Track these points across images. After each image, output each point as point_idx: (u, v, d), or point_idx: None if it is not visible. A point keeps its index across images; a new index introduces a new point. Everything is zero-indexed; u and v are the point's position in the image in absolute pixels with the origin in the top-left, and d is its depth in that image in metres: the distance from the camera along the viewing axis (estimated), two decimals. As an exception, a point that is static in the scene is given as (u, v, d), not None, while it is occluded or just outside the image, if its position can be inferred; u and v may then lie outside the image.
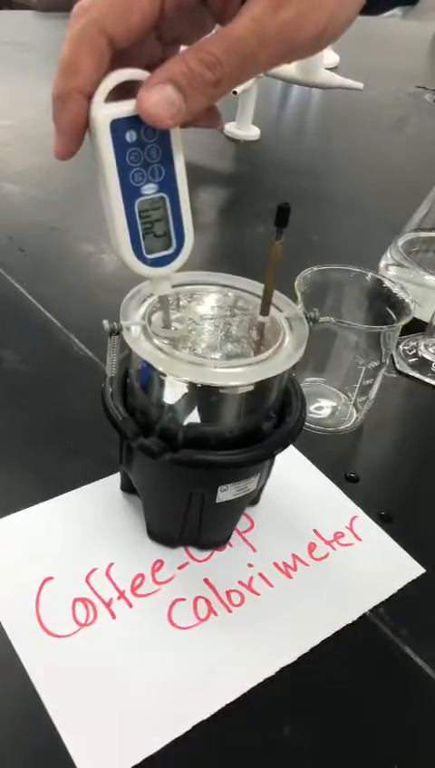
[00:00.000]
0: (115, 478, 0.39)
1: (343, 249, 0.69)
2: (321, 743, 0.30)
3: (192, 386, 0.30)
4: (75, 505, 0.38)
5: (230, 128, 0.91)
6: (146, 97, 0.24)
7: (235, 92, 0.83)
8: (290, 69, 0.86)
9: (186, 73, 0.24)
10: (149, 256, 0.27)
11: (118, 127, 0.24)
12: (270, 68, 0.26)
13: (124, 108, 0.24)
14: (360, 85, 0.88)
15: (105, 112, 0.24)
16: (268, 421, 0.33)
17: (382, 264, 0.63)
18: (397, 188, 0.83)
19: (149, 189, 0.26)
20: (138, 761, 0.28)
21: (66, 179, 0.71)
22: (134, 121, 0.24)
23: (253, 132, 0.92)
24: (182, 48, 0.26)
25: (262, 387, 0.31)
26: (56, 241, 0.64)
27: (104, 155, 0.25)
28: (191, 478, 0.33)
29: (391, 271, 0.62)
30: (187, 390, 0.30)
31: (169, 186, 0.27)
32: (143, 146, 0.25)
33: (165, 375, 0.30)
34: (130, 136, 0.25)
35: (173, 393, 0.31)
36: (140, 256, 0.27)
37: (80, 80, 0.24)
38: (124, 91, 0.24)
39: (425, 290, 0.58)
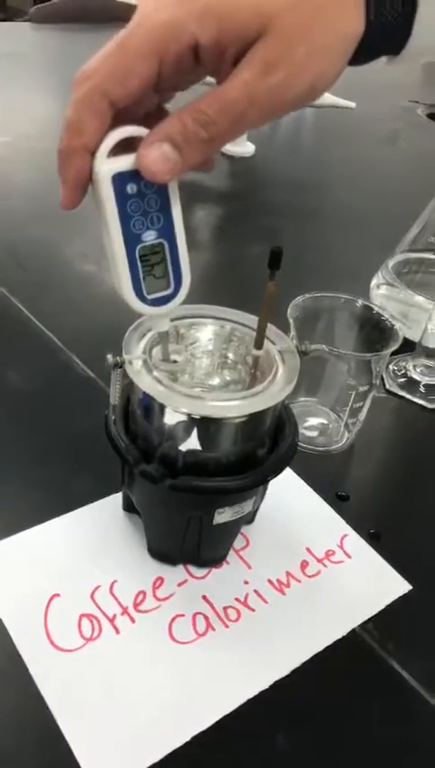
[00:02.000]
0: (117, 497, 0.41)
1: (337, 268, 0.71)
2: (312, 752, 0.32)
3: (190, 417, 0.32)
4: (79, 524, 0.40)
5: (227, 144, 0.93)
6: (144, 154, 0.26)
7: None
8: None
9: (181, 132, 0.26)
10: (149, 296, 0.29)
11: (119, 180, 0.26)
12: (261, 124, 0.28)
13: (125, 162, 0.26)
14: (352, 104, 0.91)
15: (107, 168, 0.26)
16: (262, 447, 0.35)
17: (374, 283, 0.65)
18: (391, 205, 0.85)
19: (150, 236, 0.28)
20: (141, 769, 0.30)
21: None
22: (134, 175, 0.27)
23: (248, 149, 0.94)
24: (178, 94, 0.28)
25: (256, 417, 0.33)
26: (56, 258, 0.66)
27: (107, 206, 0.27)
28: (190, 502, 0.35)
29: (382, 290, 0.64)
30: (185, 420, 0.32)
31: (167, 232, 0.29)
32: (143, 196, 0.27)
33: (164, 406, 0.32)
34: (131, 188, 0.27)
35: (172, 422, 0.32)
36: (140, 297, 0.29)
37: (84, 138, 0.26)
38: (125, 144, 0.26)
39: (414, 310, 0.60)
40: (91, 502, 0.41)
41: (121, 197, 0.27)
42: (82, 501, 0.41)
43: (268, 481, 0.35)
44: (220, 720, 0.32)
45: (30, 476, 0.43)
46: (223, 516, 0.35)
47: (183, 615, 0.36)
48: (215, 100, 0.26)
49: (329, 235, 0.79)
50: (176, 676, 0.33)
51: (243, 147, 0.93)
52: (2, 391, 0.49)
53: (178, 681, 0.33)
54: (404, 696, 0.35)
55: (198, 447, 0.33)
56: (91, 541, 0.39)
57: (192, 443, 0.33)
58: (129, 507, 0.40)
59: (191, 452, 0.33)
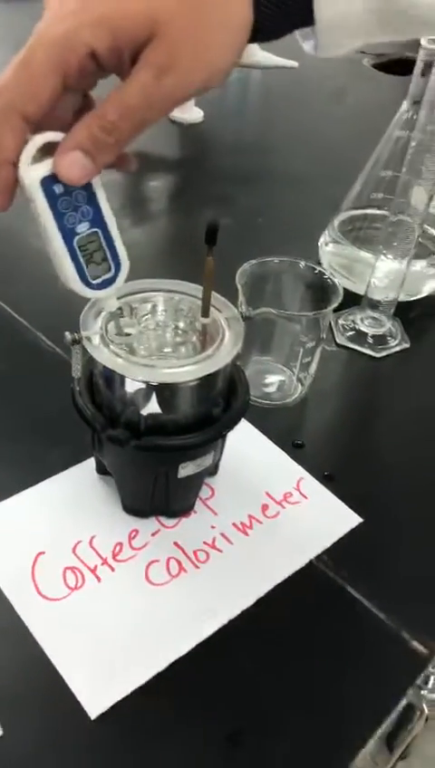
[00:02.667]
0: (90, 463, 0.45)
1: (288, 229, 0.74)
2: (277, 667, 0.37)
3: (148, 384, 0.35)
4: (57, 489, 0.43)
5: (174, 111, 0.95)
6: (59, 162, 0.29)
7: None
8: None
9: (90, 139, 0.28)
10: (94, 282, 0.33)
11: (47, 182, 0.29)
12: (161, 118, 0.30)
13: (49, 167, 0.29)
14: (295, 64, 0.92)
15: (34, 174, 0.29)
16: (217, 406, 0.38)
17: (321, 241, 0.68)
18: (338, 162, 0.87)
19: (83, 227, 0.31)
20: (127, 692, 0.34)
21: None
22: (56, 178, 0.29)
23: (196, 115, 0.95)
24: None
25: (207, 379, 0.36)
26: (10, 243, 0.68)
27: (40, 208, 0.30)
28: (155, 460, 0.38)
29: (329, 247, 0.67)
30: (144, 387, 0.36)
31: (98, 221, 0.32)
32: (70, 193, 0.30)
33: (124, 376, 0.35)
34: (58, 188, 0.30)
35: (132, 390, 0.36)
36: (86, 283, 0.32)
37: (4, 154, 0.28)
38: (49, 147, 0.29)
39: (359, 265, 0.64)
40: (67, 469, 0.45)
41: (51, 198, 0.30)
42: (59, 470, 0.45)
43: (223, 436, 0.39)
44: (194, 648, 0.37)
45: (7, 451, 0.46)
46: (186, 470, 0.39)
47: (157, 560, 0.40)
48: (117, 106, 0.28)
49: (279, 197, 0.82)
50: (154, 613, 0.37)
51: (191, 113, 0.95)
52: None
53: (156, 618, 0.37)
54: (357, 614, 0.39)
55: (158, 411, 0.36)
56: (70, 502, 0.42)
57: (152, 407, 0.36)
58: (101, 470, 0.44)
59: (152, 415, 0.37)
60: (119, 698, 0.34)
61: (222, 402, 0.39)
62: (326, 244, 0.67)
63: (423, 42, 0.57)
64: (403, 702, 0.67)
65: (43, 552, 0.39)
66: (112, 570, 0.39)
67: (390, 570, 0.42)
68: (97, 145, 0.28)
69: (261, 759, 0.33)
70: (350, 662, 0.38)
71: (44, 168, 0.29)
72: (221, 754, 0.33)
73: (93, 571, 0.39)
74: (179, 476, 0.39)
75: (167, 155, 0.88)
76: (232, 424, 0.39)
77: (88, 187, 0.30)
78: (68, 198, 0.30)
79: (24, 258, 0.66)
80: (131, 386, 0.36)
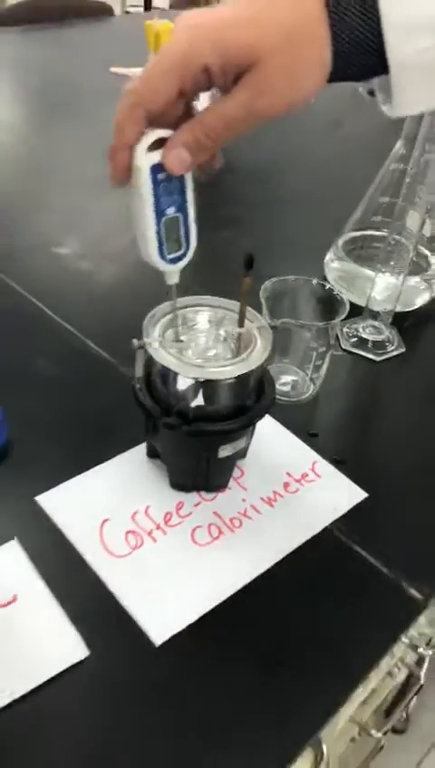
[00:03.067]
0: (140, 448, 0.53)
1: (297, 249, 0.83)
2: (299, 611, 0.45)
3: (196, 380, 0.44)
4: (114, 469, 0.52)
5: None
6: (166, 154, 0.37)
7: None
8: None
9: (193, 139, 0.37)
10: (168, 257, 0.41)
11: (154, 169, 0.38)
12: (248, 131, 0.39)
13: (158, 157, 0.37)
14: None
15: (147, 161, 0.37)
16: (250, 399, 0.47)
17: (327, 258, 0.77)
18: (339, 185, 0.97)
19: (171, 211, 0.40)
20: (182, 627, 0.43)
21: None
22: (162, 167, 0.38)
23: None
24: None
25: (243, 377, 0.45)
26: (57, 262, 0.77)
27: (144, 188, 0.38)
28: (200, 443, 0.47)
29: (334, 264, 0.76)
30: (193, 383, 0.44)
31: (183, 208, 0.40)
32: (169, 181, 0.39)
33: (177, 374, 0.44)
34: (161, 176, 0.38)
35: (184, 386, 0.45)
36: (162, 257, 0.41)
37: (125, 139, 0.37)
38: (157, 142, 0.37)
39: (361, 280, 0.73)
40: (121, 453, 0.53)
41: (155, 183, 0.38)
42: (111, 455, 0.53)
43: (254, 423, 0.48)
44: (233, 594, 0.45)
45: (71, 441, 0.55)
46: (224, 452, 0.48)
47: (200, 526, 0.48)
48: (217, 117, 0.37)
49: (286, 218, 0.91)
50: (200, 567, 0.46)
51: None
52: (35, 377, 0.61)
53: (202, 570, 0.46)
54: (364, 570, 0.48)
55: (203, 402, 0.45)
56: (126, 480, 0.51)
57: (199, 399, 0.45)
58: (151, 454, 0.53)
59: (199, 406, 0.45)
60: (177, 630, 0.43)
61: (253, 396, 0.48)
62: (332, 262, 0.76)
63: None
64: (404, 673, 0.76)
65: (108, 519, 0.48)
66: (165, 533, 0.48)
67: (391, 533, 0.51)
68: (198, 145, 0.37)
69: (288, 684, 0.42)
70: (358, 608, 0.46)
71: (155, 157, 0.37)
72: (258, 679, 0.42)
73: (149, 534, 0.48)
74: (219, 457, 0.48)
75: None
76: (262, 414, 0.47)
77: (182, 179, 0.39)
78: (166, 185, 0.38)
79: (74, 277, 0.75)
80: (183, 382, 0.44)
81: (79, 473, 0.52)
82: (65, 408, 0.58)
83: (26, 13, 1.50)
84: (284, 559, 0.48)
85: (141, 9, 3.67)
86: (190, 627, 0.43)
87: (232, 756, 0.38)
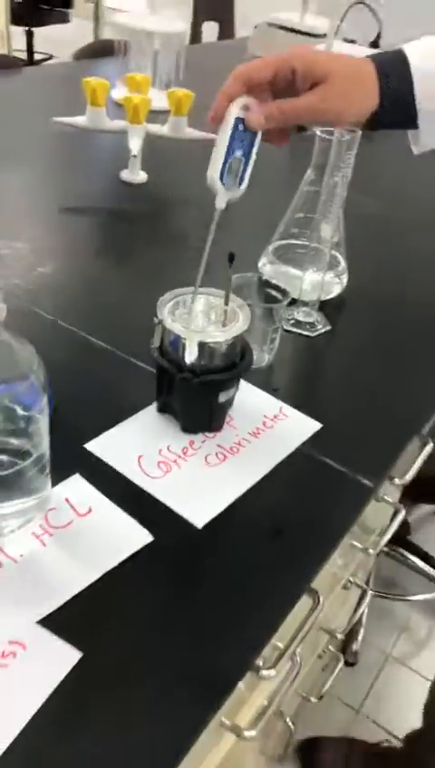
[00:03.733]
0: (151, 408, 0.70)
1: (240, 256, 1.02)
2: (285, 500, 0.64)
3: (201, 344, 0.62)
4: (138, 422, 0.68)
5: (124, 174, 1.22)
6: (249, 114, 0.59)
7: (134, 156, 1.14)
8: (164, 129, 1.18)
9: (270, 113, 0.60)
10: (224, 185, 0.61)
11: (237, 121, 0.59)
12: (307, 123, 0.63)
13: (242, 113, 0.58)
14: (213, 136, 1.22)
15: (235, 113, 0.59)
16: (237, 359, 0.66)
17: (261, 263, 0.97)
18: (260, 210, 1.17)
19: (238, 153, 0.60)
20: (211, 516, 0.60)
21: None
22: (243, 121, 0.59)
23: (142, 177, 1.23)
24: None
25: (232, 341, 0.63)
26: (90, 282, 0.92)
27: (227, 129, 0.60)
28: (206, 390, 0.65)
29: (268, 267, 0.96)
30: (198, 346, 0.62)
31: (247, 154, 0.61)
32: (244, 132, 0.59)
33: (186, 340, 0.62)
34: (240, 126, 0.59)
35: (191, 348, 0.63)
36: (222, 181, 0.62)
37: (229, 93, 0.59)
38: (245, 107, 0.59)
39: (290, 278, 0.93)
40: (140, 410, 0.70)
41: (235, 129, 0.59)
42: (130, 414, 0.70)
43: (241, 375, 0.66)
44: (240, 496, 0.63)
45: (98, 407, 0.71)
46: (223, 397, 0.66)
47: (210, 454, 0.66)
48: (292, 106, 0.61)
49: (224, 233, 1.10)
50: (215, 479, 0.64)
51: (138, 176, 1.22)
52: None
53: (216, 481, 0.63)
54: (327, 472, 0.67)
55: (207, 359, 0.63)
56: (148, 428, 0.68)
57: (204, 357, 0.63)
58: (162, 409, 0.70)
59: (202, 364, 0.63)
60: (210, 518, 0.60)
61: (239, 357, 0.66)
62: (265, 265, 0.97)
63: (318, 132, 0.87)
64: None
65: (142, 455, 0.65)
66: (185, 460, 0.65)
67: (342, 445, 0.70)
68: (272, 117, 0.60)
69: (288, 547, 0.60)
70: (327, 498, 0.65)
71: (241, 113, 0.59)
72: (266, 546, 0.60)
73: (174, 462, 0.65)
74: (219, 402, 0.66)
75: (123, 207, 1.15)
76: (247, 368, 0.66)
77: (254, 135, 0.60)
78: (241, 135, 0.59)
79: (99, 295, 0.91)
80: (191, 346, 0.62)
81: (111, 427, 0.68)
82: (94, 386, 0.74)
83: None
84: (270, 471, 0.66)
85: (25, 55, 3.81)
86: (217, 516, 0.60)
87: (257, 596, 0.56)
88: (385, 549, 1.67)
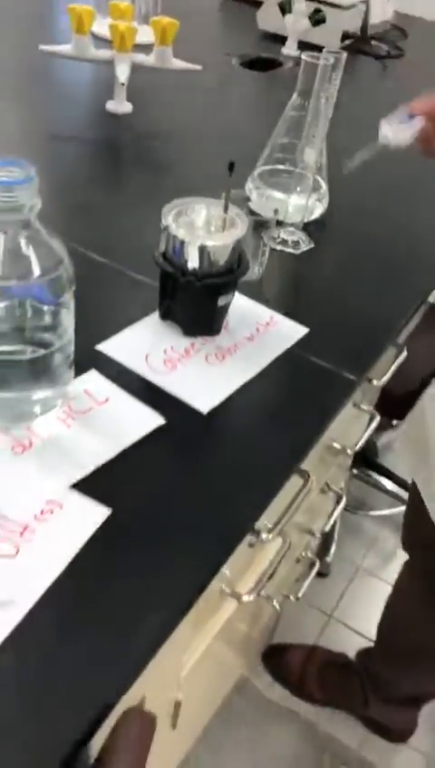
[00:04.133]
0: (154, 315, 0.76)
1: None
2: (275, 405, 0.71)
3: (202, 247, 0.68)
4: (143, 326, 0.74)
5: (110, 105, 1.25)
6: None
7: (122, 84, 1.17)
8: (150, 59, 1.20)
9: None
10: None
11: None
12: None
13: None
14: (198, 67, 1.25)
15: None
16: (235, 264, 0.72)
17: (247, 187, 1.02)
18: (246, 138, 1.21)
19: None
20: (216, 403, 0.67)
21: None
22: None
23: (127, 107, 1.25)
24: None
25: (232, 246, 0.69)
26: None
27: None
28: (208, 292, 0.71)
29: (254, 192, 1.01)
30: (199, 250, 0.68)
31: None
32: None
33: (189, 243, 0.67)
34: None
35: (193, 253, 0.68)
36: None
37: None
38: None
39: (276, 201, 0.98)
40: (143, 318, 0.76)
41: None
42: (138, 319, 0.76)
43: (239, 279, 0.72)
44: (239, 387, 0.70)
45: (112, 315, 0.77)
46: (222, 300, 0.72)
47: (209, 354, 0.72)
48: None
49: (205, 164, 1.14)
50: (215, 375, 0.70)
51: (123, 106, 1.25)
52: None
53: (215, 376, 0.70)
54: (315, 369, 0.74)
55: (208, 264, 0.69)
56: (153, 331, 0.74)
57: (205, 262, 0.69)
58: (165, 315, 0.76)
59: (203, 267, 0.69)
60: (214, 405, 0.67)
61: (236, 263, 0.72)
62: (251, 190, 1.02)
63: (304, 56, 0.92)
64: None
65: (149, 354, 0.71)
66: (189, 359, 0.71)
67: (327, 345, 0.77)
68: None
69: (277, 428, 0.67)
70: (315, 391, 0.72)
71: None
72: (267, 427, 0.67)
73: (178, 360, 0.71)
74: (219, 305, 0.72)
75: (110, 137, 1.19)
76: (244, 272, 0.72)
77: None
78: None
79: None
80: (193, 249, 0.68)
81: (118, 332, 0.74)
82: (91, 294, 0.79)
83: None
84: (264, 369, 0.73)
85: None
86: (219, 404, 0.67)
87: (257, 469, 0.63)
88: (355, 472, 1.78)
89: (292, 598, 1.11)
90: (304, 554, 1.18)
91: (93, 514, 0.54)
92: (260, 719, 1.33)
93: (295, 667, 1.35)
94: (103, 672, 0.46)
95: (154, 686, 0.58)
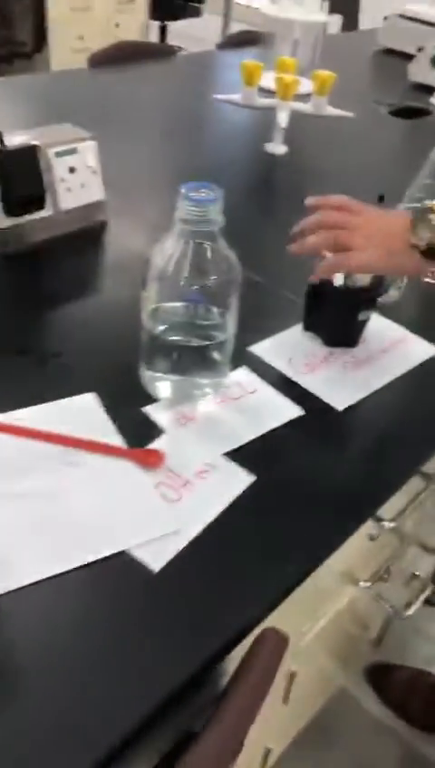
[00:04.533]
0: (298, 326, 0.87)
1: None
2: (407, 410, 0.79)
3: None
4: (288, 336, 0.85)
5: (268, 147, 1.39)
6: None
7: (283, 128, 1.31)
8: (308, 107, 1.34)
9: None
10: None
11: None
12: None
13: None
14: (351, 114, 1.37)
15: None
16: (376, 285, 0.81)
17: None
18: (392, 179, 1.32)
19: None
20: (345, 405, 0.76)
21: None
22: None
23: (283, 149, 1.39)
24: None
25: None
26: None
27: None
28: (350, 307, 0.80)
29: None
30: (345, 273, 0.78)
31: None
32: None
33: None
34: None
35: (340, 273, 0.79)
36: None
37: None
38: None
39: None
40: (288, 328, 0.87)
41: None
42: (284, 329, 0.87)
43: (378, 297, 0.82)
44: (367, 396, 0.79)
45: (256, 326, 0.88)
46: (362, 315, 0.82)
47: (347, 361, 0.82)
48: None
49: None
50: (349, 380, 0.79)
51: (279, 148, 1.39)
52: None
53: (349, 381, 0.79)
54: None
55: (351, 282, 0.79)
56: (296, 342, 0.85)
57: (349, 281, 0.79)
58: (308, 327, 0.86)
59: (349, 286, 0.79)
60: (349, 403, 0.76)
61: (378, 283, 0.82)
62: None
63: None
64: None
65: (292, 357, 0.82)
66: (327, 364, 0.81)
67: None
68: None
69: (408, 432, 0.75)
70: (444, 401, 0.80)
71: None
72: (400, 430, 0.75)
73: (318, 365, 0.81)
74: (359, 319, 0.82)
75: (268, 175, 1.33)
76: (383, 293, 0.81)
77: None
78: None
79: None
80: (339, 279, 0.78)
81: (266, 338, 0.85)
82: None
83: (108, 56, 1.86)
84: (395, 379, 0.81)
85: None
86: (356, 403, 0.76)
87: (389, 456, 0.71)
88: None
89: (402, 613, 1.17)
90: (417, 574, 1.23)
91: (241, 478, 0.65)
92: (357, 731, 1.36)
93: (401, 686, 1.38)
94: (246, 600, 0.56)
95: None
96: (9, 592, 0.53)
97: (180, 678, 0.50)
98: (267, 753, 0.98)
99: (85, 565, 0.55)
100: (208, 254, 0.65)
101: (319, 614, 0.84)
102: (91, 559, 0.56)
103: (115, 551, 0.56)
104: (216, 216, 0.63)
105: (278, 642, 0.52)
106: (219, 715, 0.46)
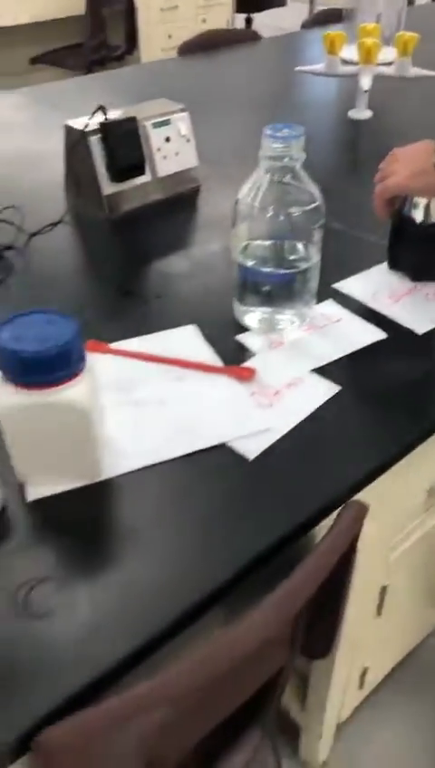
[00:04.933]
0: (384, 264, 0.92)
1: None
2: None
3: (428, 203, 0.82)
4: (374, 272, 0.91)
5: (352, 113, 1.44)
6: None
7: (365, 91, 1.35)
8: (391, 70, 1.38)
9: None
10: None
11: None
12: None
13: None
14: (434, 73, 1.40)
15: None
16: (454, 218, 0.85)
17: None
18: None
19: None
20: (426, 330, 0.80)
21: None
22: None
23: (367, 114, 1.44)
24: None
25: (454, 201, 0.83)
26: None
27: None
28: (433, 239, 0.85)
29: None
30: (424, 206, 0.83)
31: None
32: None
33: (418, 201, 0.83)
34: None
35: (420, 209, 0.83)
36: None
37: None
38: None
39: None
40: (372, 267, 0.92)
41: None
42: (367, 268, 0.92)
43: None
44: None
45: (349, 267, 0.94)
46: (441, 248, 0.86)
47: (430, 292, 0.86)
48: None
49: None
50: (429, 309, 0.84)
51: (364, 113, 1.43)
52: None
53: (429, 310, 0.84)
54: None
55: (432, 219, 0.83)
56: (381, 277, 0.90)
57: (430, 216, 0.83)
58: (392, 264, 0.91)
59: (430, 221, 0.84)
60: (429, 328, 0.80)
61: (455, 218, 0.86)
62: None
63: None
64: None
65: (376, 291, 0.87)
66: (410, 296, 0.86)
67: None
68: None
69: None
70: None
71: None
72: None
73: (401, 297, 0.86)
74: (438, 253, 0.86)
75: (352, 139, 1.37)
76: (462, 226, 0.85)
77: None
78: None
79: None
80: (420, 206, 0.83)
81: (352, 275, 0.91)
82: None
83: (197, 44, 1.96)
84: None
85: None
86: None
87: None
88: None
89: None
90: None
91: (327, 388, 0.72)
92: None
93: None
94: (330, 481, 0.62)
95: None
96: (127, 473, 0.62)
97: (268, 541, 0.57)
98: (364, 671, 1.03)
99: (190, 454, 0.64)
100: (292, 188, 0.72)
101: (407, 531, 0.89)
102: (195, 448, 0.64)
103: (216, 443, 0.65)
104: (298, 152, 0.70)
105: (359, 508, 0.59)
106: (305, 560, 0.54)
